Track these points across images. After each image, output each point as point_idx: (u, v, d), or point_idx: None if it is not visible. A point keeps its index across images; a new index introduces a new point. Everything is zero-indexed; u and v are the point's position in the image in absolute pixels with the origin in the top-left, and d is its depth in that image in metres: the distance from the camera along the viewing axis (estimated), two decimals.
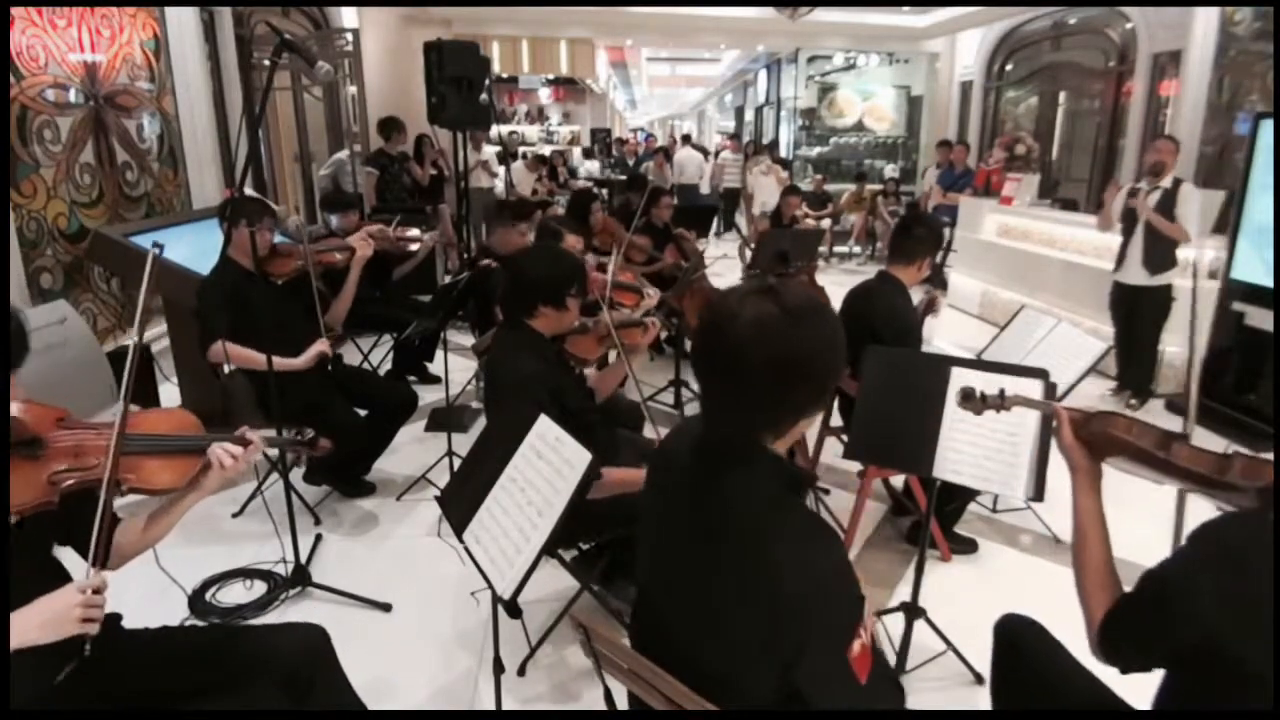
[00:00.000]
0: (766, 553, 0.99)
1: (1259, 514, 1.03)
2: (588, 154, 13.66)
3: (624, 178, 10.14)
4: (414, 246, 4.02)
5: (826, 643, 0.98)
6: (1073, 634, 1.21)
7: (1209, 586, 0.97)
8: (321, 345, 2.82)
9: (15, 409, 1.23)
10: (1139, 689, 1.16)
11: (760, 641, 1.00)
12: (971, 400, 1.37)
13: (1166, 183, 3.95)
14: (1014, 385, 1.76)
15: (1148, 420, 1.22)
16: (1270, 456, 1.07)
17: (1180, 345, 4.33)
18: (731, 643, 1.03)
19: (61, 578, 1.39)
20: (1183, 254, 4.05)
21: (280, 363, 2.54)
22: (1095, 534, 1.23)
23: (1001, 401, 1.35)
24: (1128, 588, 1.14)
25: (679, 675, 1.06)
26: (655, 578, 1.21)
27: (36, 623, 1.12)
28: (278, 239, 3.13)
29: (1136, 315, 4.16)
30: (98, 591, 1.17)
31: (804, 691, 0.99)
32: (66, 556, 1.41)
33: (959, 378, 1.83)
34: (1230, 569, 0.97)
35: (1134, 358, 4.27)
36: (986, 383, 1.78)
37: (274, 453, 2.81)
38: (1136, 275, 4.07)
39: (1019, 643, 1.46)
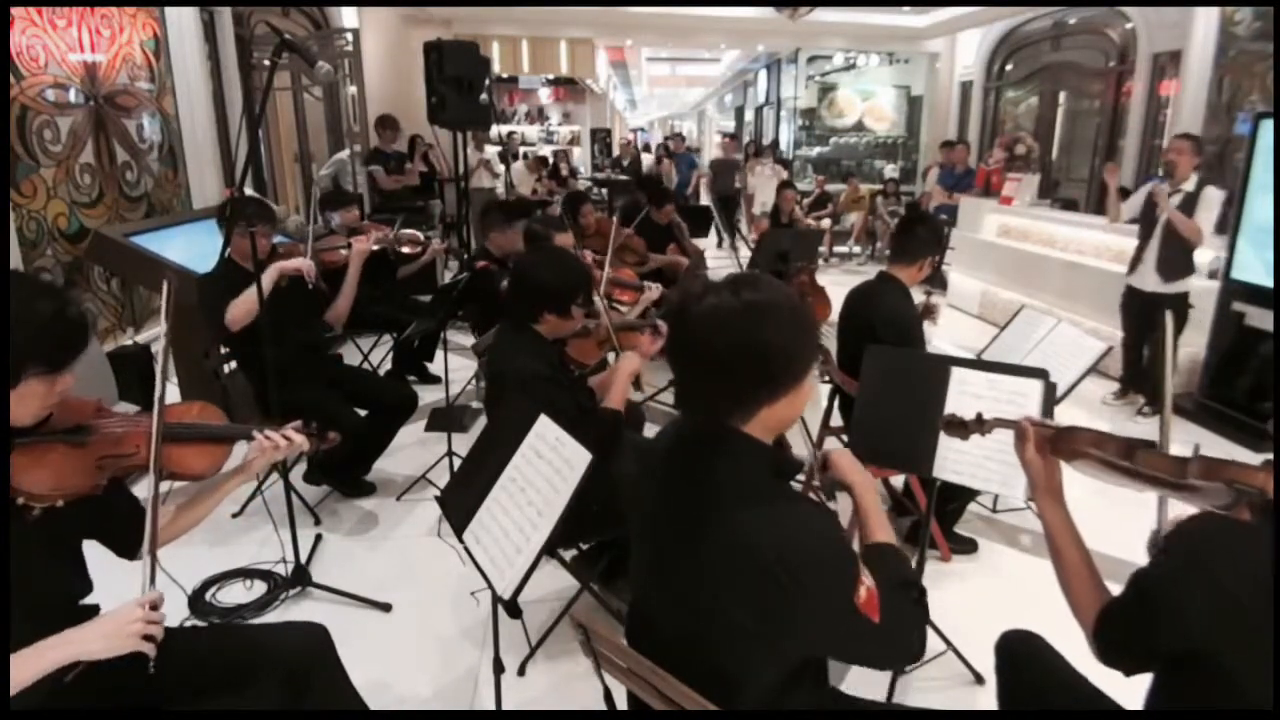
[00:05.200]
0: (749, 530, 1.01)
1: (1229, 514, 1.04)
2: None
3: (625, 178, 10.15)
4: (409, 249, 4.00)
5: (830, 601, 1.01)
6: (1075, 634, 1.21)
7: (1183, 590, 0.98)
8: (301, 262, 2.88)
9: (60, 399, 1.26)
10: (1141, 697, 1.17)
11: (755, 621, 1.01)
12: (954, 428, 1.42)
13: (1189, 185, 3.84)
14: (1009, 388, 1.77)
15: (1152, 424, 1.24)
16: (1233, 457, 1.08)
17: (1181, 345, 4.32)
18: (728, 629, 1.04)
19: (82, 575, 1.41)
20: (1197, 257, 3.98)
21: (266, 277, 2.61)
22: (1067, 544, 1.24)
23: (981, 426, 1.39)
24: (1119, 588, 1.14)
25: (675, 672, 1.07)
26: (648, 574, 1.22)
27: (99, 634, 1.15)
28: (277, 239, 3.13)
29: (1150, 323, 4.01)
30: (155, 608, 1.19)
31: (823, 647, 1.03)
32: (84, 554, 1.43)
33: (959, 378, 1.83)
34: (1199, 572, 0.97)
35: (1145, 364, 4.18)
36: (987, 383, 1.81)
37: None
38: (1152, 281, 3.96)
39: (1020, 658, 1.46)
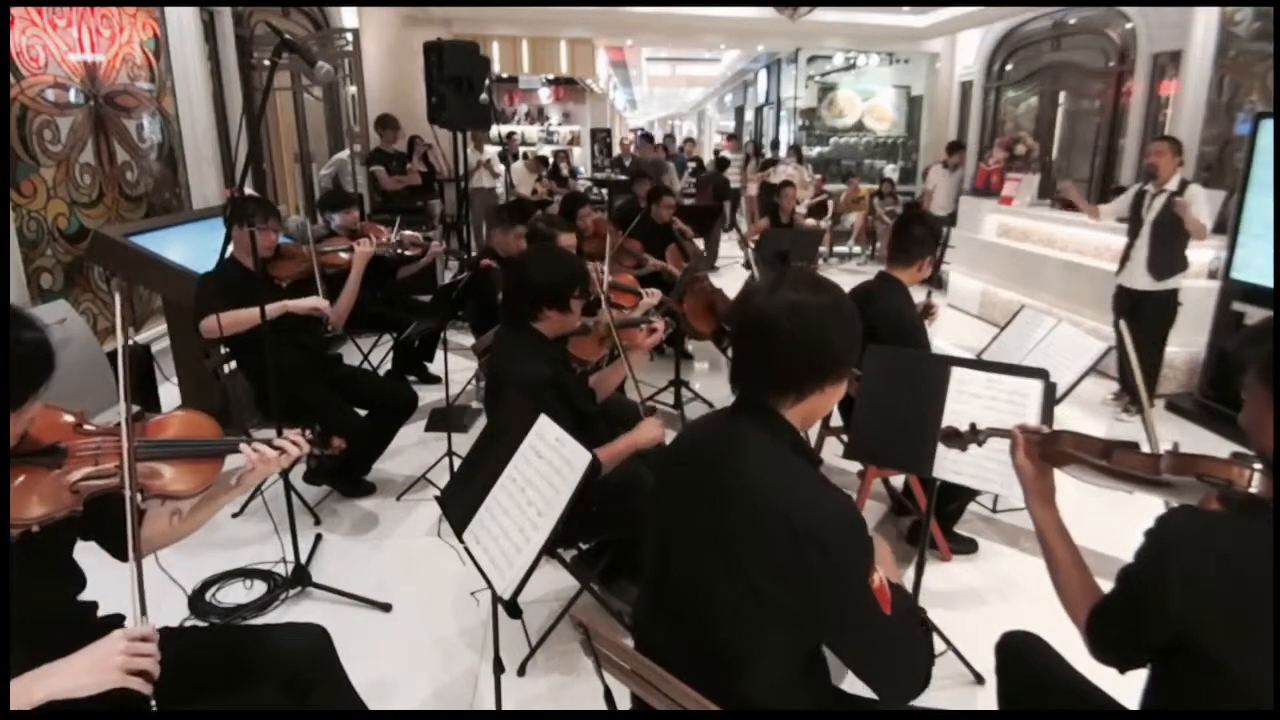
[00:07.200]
0: (777, 494, 1.07)
1: (1204, 507, 1.08)
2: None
3: (624, 178, 10.14)
4: (410, 251, 3.99)
5: (847, 573, 1.05)
6: (1075, 634, 1.21)
7: (1161, 578, 1.01)
8: (316, 301, 2.86)
9: (33, 417, 1.19)
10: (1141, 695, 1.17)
11: (774, 584, 1.05)
12: (951, 439, 1.49)
13: (1172, 185, 3.87)
14: (1009, 388, 1.77)
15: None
16: (1204, 452, 1.11)
17: (1181, 345, 4.33)
18: (753, 604, 1.07)
19: (79, 582, 1.38)
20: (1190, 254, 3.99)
21: (274, 307, 2.57)
22: (1059, 544, 1.29)
23: (976, 436, 1.46)
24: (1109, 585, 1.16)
25: (683, 654, 1.09)
26: (665, 569, 1.23)
27: (84, 667, 1.07)
28: (281, 240, 3.12)
29: (1139, 319, 4.00)
30: (145, 641, 1.10)
31: (834, 627, 1.08)
32: (82, 556, 1.41)
33: (959, 378, 1.83)
34: (1174, 560, 1.00)
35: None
36: (987, 383, 1.81)
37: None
38: (1140, 280, 3.99)
39: (1020, 658, 1.47)
